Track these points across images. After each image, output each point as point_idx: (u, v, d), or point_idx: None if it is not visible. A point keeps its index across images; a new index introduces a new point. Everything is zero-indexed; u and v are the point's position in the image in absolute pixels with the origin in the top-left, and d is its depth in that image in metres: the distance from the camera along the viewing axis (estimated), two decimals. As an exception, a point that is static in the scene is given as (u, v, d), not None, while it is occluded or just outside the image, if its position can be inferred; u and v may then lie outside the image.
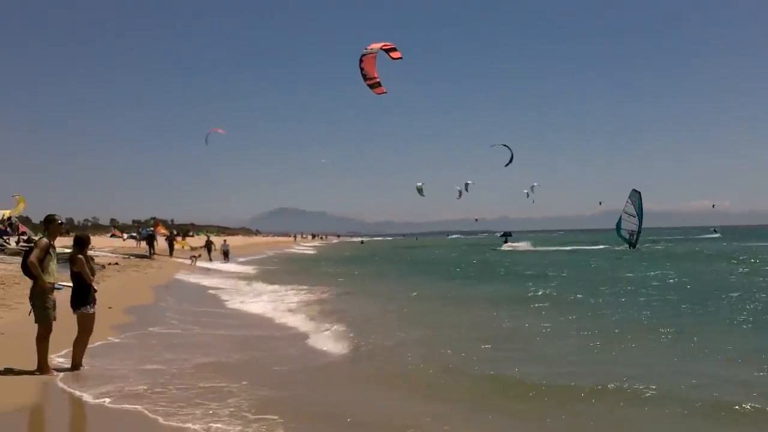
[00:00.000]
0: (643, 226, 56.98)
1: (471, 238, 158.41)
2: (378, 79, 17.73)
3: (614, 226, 58.13)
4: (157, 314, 15.90)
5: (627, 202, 56.67)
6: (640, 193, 56.37)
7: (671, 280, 24.25)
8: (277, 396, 7.99)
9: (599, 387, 8.12)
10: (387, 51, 17.49)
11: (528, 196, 60.96)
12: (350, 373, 9.49)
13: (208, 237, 48.85)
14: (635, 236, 56.76)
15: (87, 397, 7.83)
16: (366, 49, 17.63)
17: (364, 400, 8.01)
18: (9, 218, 47.61)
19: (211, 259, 41.49)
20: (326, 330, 12.74)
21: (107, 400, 7.69)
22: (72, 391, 8.15)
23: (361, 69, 17.56)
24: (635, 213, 55.93)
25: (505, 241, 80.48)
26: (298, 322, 14.25)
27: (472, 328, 13.36)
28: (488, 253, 58.17)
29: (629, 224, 56.73)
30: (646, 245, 63.88)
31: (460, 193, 56.65)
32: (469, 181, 57.70)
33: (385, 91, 18.02)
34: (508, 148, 48.73)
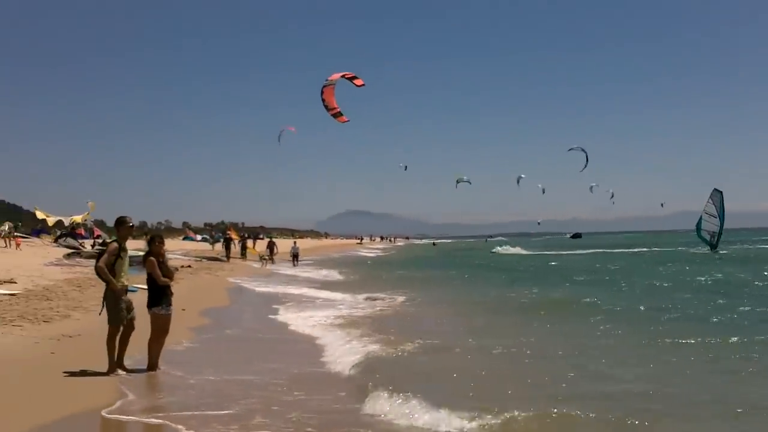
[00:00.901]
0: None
1: (529, 240, 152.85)
2: (339, 109, 18.46)
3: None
4: (232, 317, 15.89)
5: (708, 202, 54.51)
6: (721, 192, 54.08)
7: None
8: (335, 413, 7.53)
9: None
10: (350, 79, 18.10)
11: (608, 194, 61.69)
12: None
13: (271, 238, 49.26)
14: (716, 237, 54.57)
15: (122, 408, 7.50)
16: (326, 80, 18.00)
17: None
18: (72, 223, 49.39)
19: (273, 261, 41.41)
20: (398, 347, 11.35)
21: (129, 413, 7.32)
22: (125, 392, 8.05)
23: (323, 100, 17.99)
24: (716, 213, 53.71)
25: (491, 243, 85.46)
26: (364, 335, 12.79)
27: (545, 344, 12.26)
28: (554, 260, 56.90)
29: (710, 225, 54.57)
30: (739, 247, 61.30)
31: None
32: (522, 175, 58.40)
33: (347, 119, 18.52)
34: (585, 152, 47.88)
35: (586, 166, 48.94)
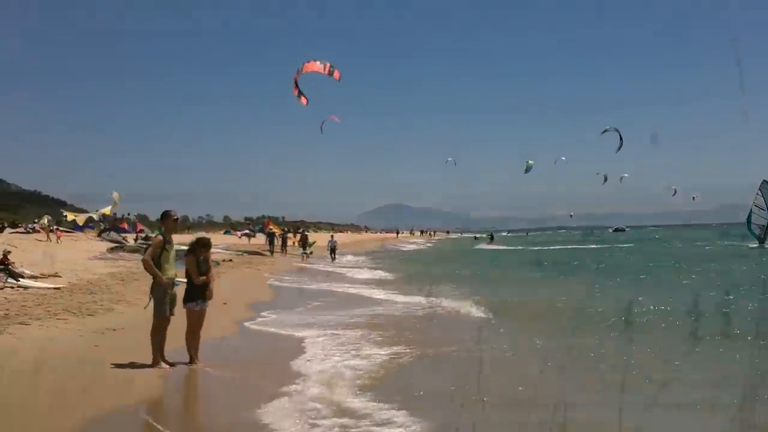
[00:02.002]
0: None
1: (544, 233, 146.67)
2: (296, 96, 18.92)
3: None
4: (273, 312, 15.58)
5: (757, 194, 52.92)
6: (771, 184, 52.41)
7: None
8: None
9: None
10: (330, 73, 18.46)
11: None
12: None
13: (303, 232, 49.18)
14: (765, 231, 52.97)
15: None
16: (302, 65, 18.49)
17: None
18: (101, 216, 50.08)
19: (309, 254, 41.33)
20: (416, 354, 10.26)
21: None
22: (168, 386, 8.04)
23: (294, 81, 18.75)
24: (765, 206, 52.07)
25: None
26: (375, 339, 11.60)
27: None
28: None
29: (760, 218, 52.95)
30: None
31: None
32: (563, 158, 58.49)
33: (305, 103, 19.01)
34: (619, 132, 47.03)
35: (620, 147, 47.96)
